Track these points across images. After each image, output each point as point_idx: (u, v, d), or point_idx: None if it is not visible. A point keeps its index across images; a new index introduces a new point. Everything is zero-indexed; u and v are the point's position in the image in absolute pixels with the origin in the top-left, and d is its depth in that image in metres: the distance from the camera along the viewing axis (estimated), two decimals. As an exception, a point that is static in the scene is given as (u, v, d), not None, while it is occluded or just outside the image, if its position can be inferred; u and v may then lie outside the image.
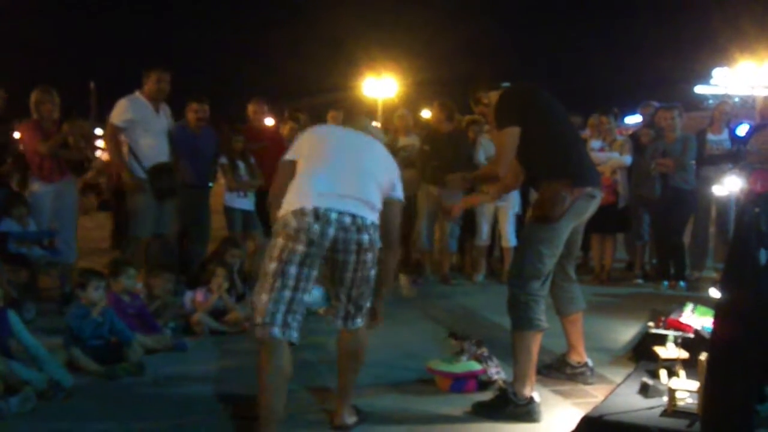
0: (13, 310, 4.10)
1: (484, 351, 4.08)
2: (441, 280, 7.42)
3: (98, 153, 10.82)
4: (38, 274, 5.94)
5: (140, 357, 4.33)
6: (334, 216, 3.06)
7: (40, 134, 6.09)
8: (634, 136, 7.92)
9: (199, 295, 5.35)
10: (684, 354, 3.68)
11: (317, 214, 3.04)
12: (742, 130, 7.84)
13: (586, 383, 4.08)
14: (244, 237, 6.88)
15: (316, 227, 3.03)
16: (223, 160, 6.96)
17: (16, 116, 6.62)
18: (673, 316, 4.62)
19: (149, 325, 4.84)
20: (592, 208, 3.81)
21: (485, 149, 7.26)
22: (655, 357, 3.81)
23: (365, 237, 3.14)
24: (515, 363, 3.63)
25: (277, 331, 3.01)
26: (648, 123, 7.94)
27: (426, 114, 16.06)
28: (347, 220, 3.09)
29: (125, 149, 6.13)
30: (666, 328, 4.21)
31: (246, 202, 6.90)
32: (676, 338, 3.82)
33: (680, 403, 3.25)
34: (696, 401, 3.16)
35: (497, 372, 4.00)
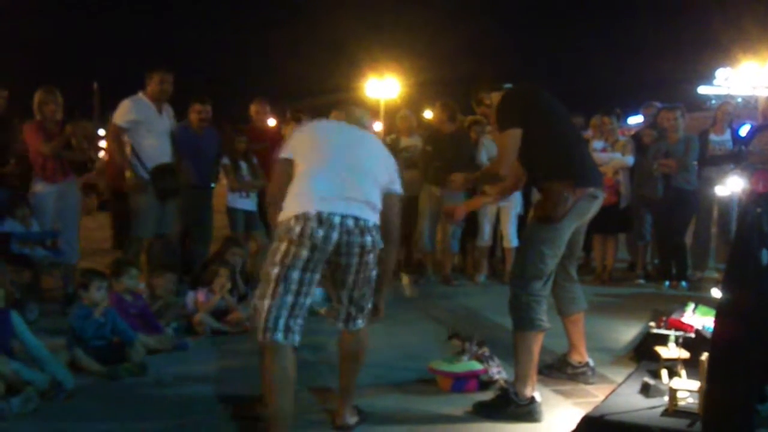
0: (16, 311, 4.10)
1: (486, 351, 4.09)
2: (443, 280, 7.42)
3: (101, 154, 10.84)
4: (41, 275, 5.96)
5: (143, 357, 4.34)
6: (337, 220, 3.04)
7: (43, 135, 6.10)
8: (637, 137, 7.91)
9: (201, 295, 5.36)
10: (685, 354, 3.68)
11: (321, 219, 3.01)
12: (744, 130, 7.84)
13: (587, 383, 4.08)
14: (247, 237, 6.90)
15: (320, 232, 3.00)
16: (226, 160, 6.98)
17: (19, 117, 6.63)
18: (674, 316, 4.62)
19: (152, 326, 4.84)
20: (594, 208, 3.81)
21: (487, 150, 7.26)
22: (656, 357, 3.81)
23: (368, 239, 3.13)
24: (516, 363, 3.63)
25: (280, 336, 3.00)
26: (650, 123, 7.94)
27: (428, 114, 16.07)
28: (350, 223, 3.07)
29: (128, 150, 6.15)
30: (667, 328, 4.20)
31: (248, 203, 6.91)
32: (677, 338, 3.82)
33: (681, 403, 3.26)
34: (697, 401, 3.16)
35: (498, 372, 4.01)
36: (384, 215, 3.28)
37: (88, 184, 10.30)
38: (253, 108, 7.61)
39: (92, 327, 4.31)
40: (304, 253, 2.99)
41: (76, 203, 6.54)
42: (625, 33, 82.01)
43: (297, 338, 3.06)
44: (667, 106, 7.39)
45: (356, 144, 3.32)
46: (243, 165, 6.99)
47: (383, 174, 3.31)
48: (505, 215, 7.34)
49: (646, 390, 3.56)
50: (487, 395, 3.76)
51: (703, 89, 44.51)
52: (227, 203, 7.00)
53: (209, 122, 6.87)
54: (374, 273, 3.26)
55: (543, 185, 3.78)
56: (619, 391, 3.62)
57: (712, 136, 7.56)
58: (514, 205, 7.28)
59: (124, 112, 6.10)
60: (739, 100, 34.01)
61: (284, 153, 3.28)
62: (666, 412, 3.24)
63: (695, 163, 7.13)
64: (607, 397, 3.56)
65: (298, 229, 2.99)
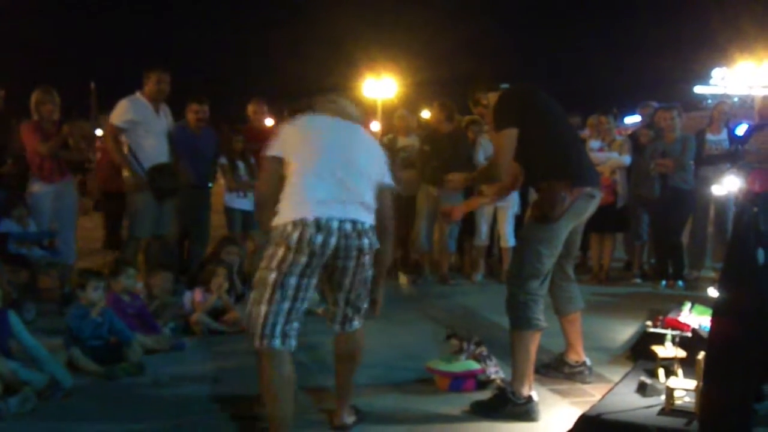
0: (14, 311, 4.10)
1: (483, 350, 4.09)
2: (440, 280, 7.43)
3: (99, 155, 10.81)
4: (38, 275, 5.94)
5: (140, 357, 4.34)
6: (335, 225, 3.01)
7: (41, 135, 6.09)
8: (634, 136, 7.93)
9: (198, 294, 5.36)
10: (682, 353, 3.69)
11: (319, 225, 2.98)
12: (741, 129, 7.85)
13: (584, 382, 4.09)
14: (244, 237, 6.90)
15: (319, 238, 2.97)
16: (223, 160, 6.99)
17: (16, 117, 6.62)
18: (671, 316, 4.64)
19: (149, 325, 4.84)
20: (591, 208, 3.82)
21: (485, 150, 7.26)
22: (653, 356, 3.81)
23: (366, 242, 3.12)
24: (514, 362, 3.64)
25: (277, 343, 2.99)
26: (647, 123, 7.95)
27: (426, 114, 16.06)
28: (348, 227, 3.05)
29: (125, 150, 6.14)
30: (664, 328, 4.21)
31: (246, 203, 6.91)
32: (674, 337, 3.83)
33: (678, 402, 3.26)
34: (694, 400, 3.17)
35: (496, 371, 4.02)
36: (379, 210, 3.24)
37: (81, 184, 10.29)
38: (250, 108, 7.61)
39: (89, 327, 4.30)
40: (303, 259, 2.97)
41: (73, 203, 6.53)
42: (623, 33, 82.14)
43: (293, 343, 3.05)
44: (664, 106, 7.40)
45: (349, 140, 3.24)
46: (240, 165, 7.00)
47: (376, 170, 3.27)
48: (502, 215, 7.35)
49: (642, 389, 3.57)
50: (485, 394, 3.76)
51: (699, 89, 44.65)
52: (225, 203, 7.00)
53: (207, 122, 6.87)
54: (370, 273, 3.25)
55: (540, 185, 3.78)
56: (616, 390, 3.62)
57: (709, 136, 7.58)
58: (511, 204, 7.29)
59: (121, 112, 6.09)
60: (736, 99, 34.09)
61: (273, 151, 3.17)
62: (663, 411, 3.25)
63: (692, 162, 7.14)
64: (604, 397, 3.57)
65: (296, 235, 2.96)
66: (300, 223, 2.97)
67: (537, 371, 3.90)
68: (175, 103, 6.60)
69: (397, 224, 3.53)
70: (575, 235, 3.96)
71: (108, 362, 4.17)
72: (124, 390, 3.94)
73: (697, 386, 3.13)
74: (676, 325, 4.32)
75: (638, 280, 7.52)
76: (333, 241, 3.01)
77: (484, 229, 7.44)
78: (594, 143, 7.49)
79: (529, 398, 3.56)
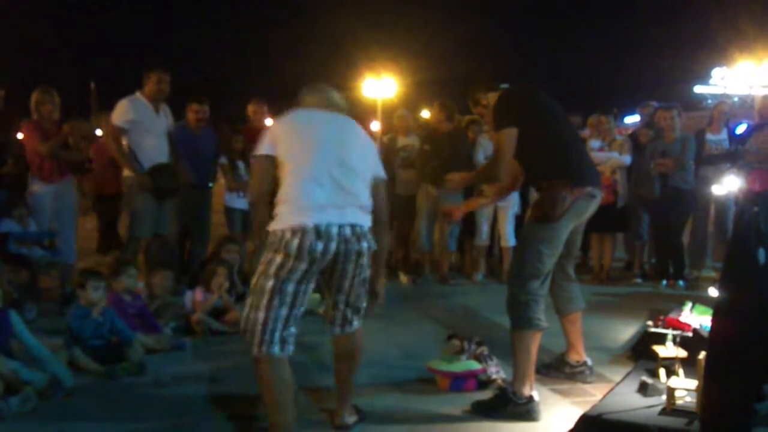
0: (14, 311, 4.11)
1: (484, 350, 4.10)
2: (440, 279, 7.43)
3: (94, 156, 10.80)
4: (39, 275, 5.94)
5: (141, 357, 4.34)
6: (335, 230, 3.00)
7: (40, 135, 6.09)
8: (634, 136, 7.93)
9: (199, 294, 5.36)
10: (683, 353, 3.69)
11: (319, 232, 2.96)
12: (741, 129, 7.86)
13: (585, 382, 4.09)
14: (244, 237, 6.90)
15: (320, 246, 2.96)
16: (223, 160, 6.99)
17: (16, 116, 6.62)
18: (671, 315, 4.63)
19: (150, 325, 4.84)
20: (592, 207, 3.82)
21: (485, 149, 7.26)
22: (654, 356, 3.81)
23: (364, 244, 3.12)
24: (514, 362, 3.64)
25: (276, 349, 2.99)
26: (647, 123, 7.95)
27: (426, 114, 16.06)
28: (348, 231, 3.04)
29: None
30: (665, 327, 4.21)
31: (246, 202, 6.91)
32: (674, 337, 3.83)
33: (679, 402, 3.26)
34: (695, 400, 3.17)
35: (497, 371, 4.02)
36: (373, 204, 3.22)
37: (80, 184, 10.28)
38: (250, 108, 7.61)
39: (90, 326, 4.31)
40: (302, 266, 2.96)
41: (73, 203, 6.53)
42: (623, 33, 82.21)
43: (291, 348, 3.06)
44: (664, 106, 7.40)
45: (341, 136, 3.19)
46: (240, 165, 7.00)
47: (369, 165, 3.24)
48: (503, 215, 7.35)
49: (643, 389, 3.56)
50: (486, 394, 3.77)
51: (699, 89, 44.63)
52: (225, 203, 7.00)
53: (207, 122, 6.87)
54: (368, 273, 3.25)
55: (541, 185, 3.78)
56: (617, 390, 3.62)
57: (709, 136, 7.58)
58: (511, 204, 7.29)
59: (122, 112, 6.08)
60: (736, 99, 34.09)
61: (264, 149, 3.11)
62: (664, 411, 3.25)
63: (692, 162, 7.15)
64: (605, 396, 3.57)
65: (295, 242, 2.93)
66: (299, 230, 2.95)
67: (538, 371, 3.90)
68: (175, 103, 6.60)
69: (397, 224, 3.54)
70: (576, 234, 3.96)
71: (109, 362, 4.17)
72: (125, 390, 3.94)
73: (698, 386, 3.13)
74: (677, 325, 4.32)
75: (639, 280, 7.53)
76: (333, 246, 3.00)
77: (484, 228, 7.44)
78: (594, 143, 7.49)
79: (530, 398, 3.56)
